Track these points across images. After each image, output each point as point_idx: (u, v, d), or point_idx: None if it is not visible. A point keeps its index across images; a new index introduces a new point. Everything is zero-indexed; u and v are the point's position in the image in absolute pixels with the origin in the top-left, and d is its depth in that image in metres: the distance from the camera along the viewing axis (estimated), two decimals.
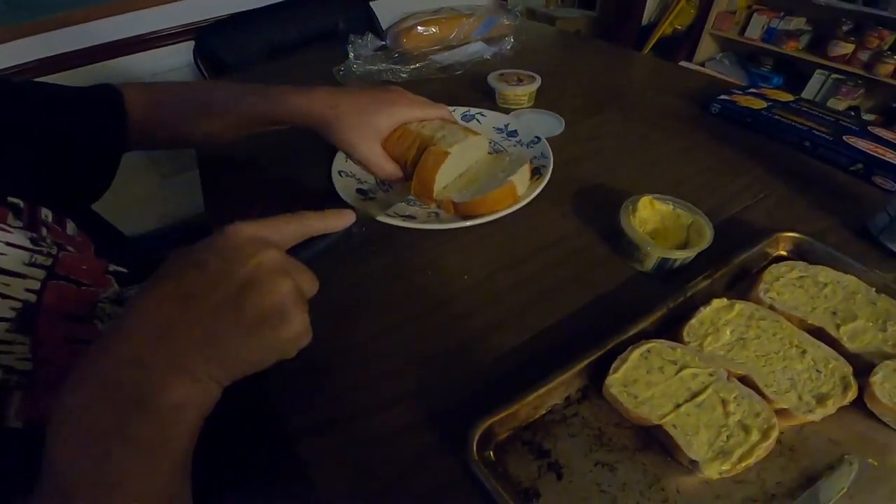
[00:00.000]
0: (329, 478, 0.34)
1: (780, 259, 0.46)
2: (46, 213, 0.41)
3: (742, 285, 0.44)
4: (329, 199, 0.55)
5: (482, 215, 0.50)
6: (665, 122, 0.72)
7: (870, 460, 0.32)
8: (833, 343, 0.37)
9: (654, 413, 0.33)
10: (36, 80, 0.52)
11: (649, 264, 0.44)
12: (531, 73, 0.76)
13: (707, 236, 0.43)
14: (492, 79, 0.76)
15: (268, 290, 0.27)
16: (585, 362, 0.35)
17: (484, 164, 0.56)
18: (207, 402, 0.27)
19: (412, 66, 0.91)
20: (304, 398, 0.38)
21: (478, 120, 0.68)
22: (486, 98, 0.79)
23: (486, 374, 0.39)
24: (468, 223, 0.50)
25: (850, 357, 0.36)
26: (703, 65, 2.45)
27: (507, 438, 0.34)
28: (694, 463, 0.31)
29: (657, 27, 2.46)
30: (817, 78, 2.12)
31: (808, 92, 2.14)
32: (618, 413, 0.35)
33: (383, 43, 1.02)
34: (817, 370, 0.35)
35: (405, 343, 0.42)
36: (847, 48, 1.99)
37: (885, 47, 1.91)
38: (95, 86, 0.54)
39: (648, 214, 0.47)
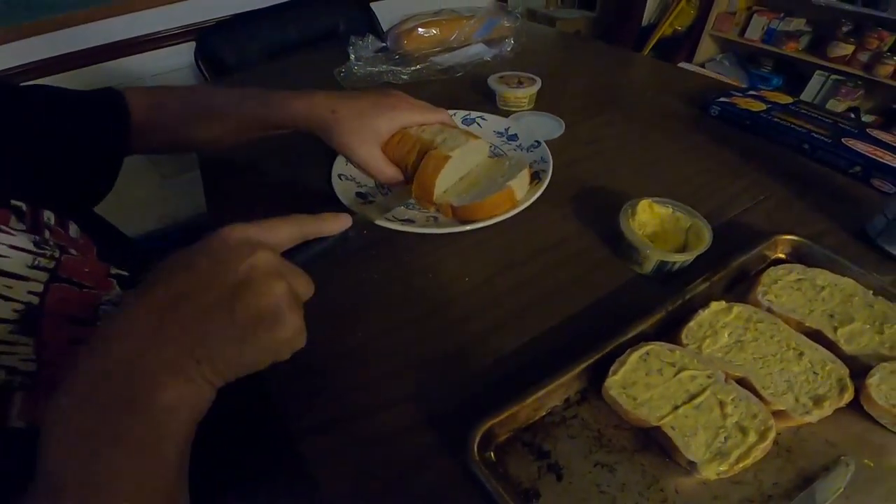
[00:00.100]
0: (331, 477, 0.34)
1: (778, 262, 0.46)
2: (49, 216, 0.42)
3: (740, 288, 0.44)
4: (329, 202, 0.56)
5: (480, 220, 0.50)
6: (665, 123, 0.72)
7: (866, 461, 0.33)
8: (830, 345, 0.37)
9: (653, 415, 0.33)
10: (38, 82, 0.53)
11: (648, 267, 0.45)
12: (531, 76, 0.77)
13: (706, 239, 0.43)
14: (492, 81, 0.77)
15: (261, 292, 0.27)
16: (584, 364, 0.36)
17: (484, 168, 0.56)
18: (201, 403, 0.27)
19: (413, 68, 0.91)
20: (305, 399, 0.39)
21: (478, 124, 0.68)
22: (487, 100, 0.79)
23: (485, 377, 0.39)
24: (467, 227, 0.50)
25: (846, 359, 0.36)
26: (702, 66, 2.46)
27: (507, 440, 0.35)
28: (692, 464, 0.31)
29: (657, 28, 2.46)
30: (817, 79, 2.12)
31: (808, 93, 2.14)
32: (617, 414, 0.35)
33: (384, 44, 1.02)
34: (814, 372, 0.35)
35: (405, 345, 0.42)
36: (847, 49, 1.99)
37: (885, 48, 1.91)
38: (98, 89, 0.54)
39: (648, 217, 0.47)
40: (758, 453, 0.31)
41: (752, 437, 0.32)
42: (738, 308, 0.38)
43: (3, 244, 0.36)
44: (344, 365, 0.41)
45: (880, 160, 0.57)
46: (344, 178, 0.59)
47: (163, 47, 1.32)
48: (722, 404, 0.33)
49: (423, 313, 0.45)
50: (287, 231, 0.33)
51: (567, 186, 0.58)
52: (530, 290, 0.46)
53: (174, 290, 0.27)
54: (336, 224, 0.36)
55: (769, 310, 0.39)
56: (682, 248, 0.46)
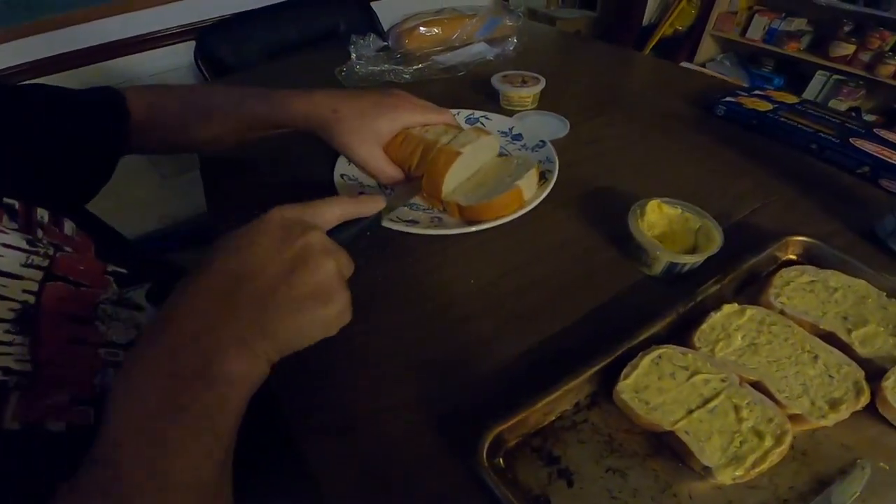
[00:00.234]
0: (333, 480, 0.34)
1: (789, 263, 0.45)
2: (42, 214, 0.41)
3: (751, 289, 0.43)
4: None
5: (487, 220, 0.49)
6: (669, 123, 0.71)
7: (882, 464, 0.32)
8: (844, 348, 0.37)
9: (667, 419, 0.32)
10: (36, 81, 0.52)
11: (658, 269, 0.44)
12: (535, 75, 0.76)
13: (717, 240, 0.43)
14: (495, 80, 0.76)
15: (315, 269, 0.29)
16: (596, 368, 0.35)
17: (491, 167, 0.55)
18: (257, 378, 0.28)
19: (415, 67, 0.90)
20: (308, 401, 0.38)
21: (482, 123, 0.67)
22: (490, 99, 0.79)
23: (491, 380, 0.38)
24: (472, 229, 0.49)
25: (861, 362, 0.36)
26: (703, 66, 2.45)
27: (515, 445, 0.34)
28: (706, 469, 0.31)
29: (658, 28, 2.46)
30: (818, 79, 2.12)
31: (809, 93, 2.14)
32: (628, 419, 0.35)
33: (385, 43, 1.02)
34: (829, 375, 0.35)
35: (410, 347, 0.41)
36: (848, 49, 1.99)
37: (887, 48, 1.91)
38: (96, 87, 0.54)
39: (656, 218, 0.47)
40: (774, 458, 0.31)
41: (768, 442, 0.31)
42: (751, 310, 0.38)
43: None
44: (348, 366, 0.40)
45: (888, 160, 0.56)
46: (346, 179, 0.58)
47: (162, 47, 1.31)
48: (737, 408, 0.33)
49: (428, 315, 0.44)
50: (331, 212, 0.35)
51: (572, 187, 0.57)
52: (536, 292, 0.45)
53: (240, 268, 0.29)
54: (373, 205, 0.39)
55: (782, 312, 0.39)
56: (692, 250, 0.45)
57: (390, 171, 0.52)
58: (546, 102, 0.77)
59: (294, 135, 0.54)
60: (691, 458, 0.32)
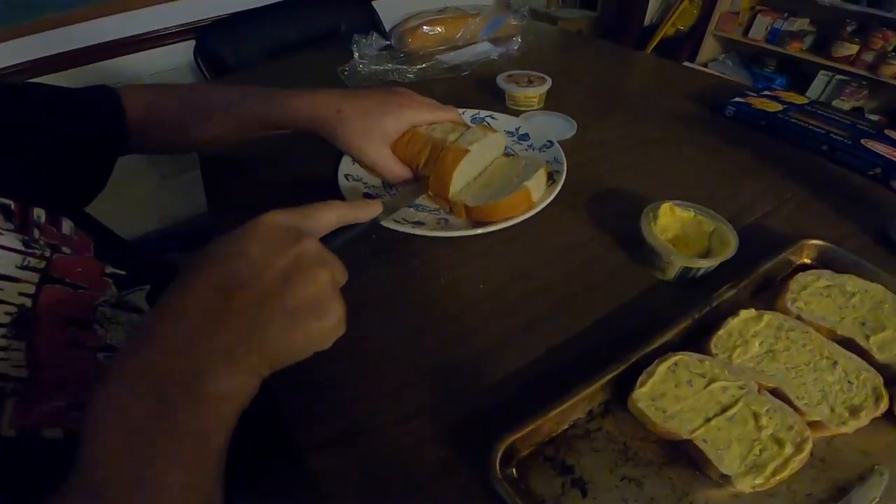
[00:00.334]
0: (340, 492, 0.33)
1: (803, 267, 0.44)
2: (39, 213, 0.40)
3: (766, 294, 0.43)
4: None
5: (495, 222, 0.48)
6: (677, 124, 0.71)
7: None
8: (862, 354, 0.36)
9: (684, 427, 0.32)
10: (33, 80, 0.51)
11: (671, 273, 0.43)
12: (541, 75, 0.75)
13: (732, 244, 0.42)
14: (501, 80, 0.75)
15: (309, 280, 0.28)
16: (610, 375, 0.34)
17: (498, 167, 0.54)
18: (248, 394, 0.27)
19: (418, 67, 0.89)
20: (312, 410, 0.37)
21: (488, 123, 0.67)
22: (495, 99, 0.78)
23: (501, 387, 0.38)
24: (479, 231, 0.48)
25: (879, 368, 0.35)
26: (705, 66, 2.45)
27: (528, 454, 0.33)
28: (725, 477, 0.30)
29: (659, 28, 2.45)
30: (821, 79, 2.12)
31: (812, 93, 2.13)
32: (643, 426, 0.34)
33: (388, 43, 1.01)
34: (849, 381, 0.34)
35: (418, 354, 0.40)
36: (851, 49, 1.98)
37: (890, 48, 1.91)
38: (91, 86, 0.53)
39: (669, 221, 0.46)
40: (794, 465, 0.30)
41: (788, 450, 0.31)
42: (768, 316, 0.37)
43: None
44: (354, 374, 0.39)
45: None
46: (351, 179, 0.57)
47: (161, 46, 1.31)
48: (756, 416, 0.32)
49: (435, 321, 0.43)
50: (327, 218, 0.33)
51: (580, 188, 0.56)
52: (546, 297, 0.44)
53: (227, 278, 0.27)
54: (369, 211, 0.37)
55: (798, 317, 0.38)
56: (705, 253, 0.44)
57: (399, 171, 0.51)
58: (551, 102, 0.76)
59: (295, 134, 0.53)
60: (709, 467, 0.31)
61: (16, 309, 0.34)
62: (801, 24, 2.14)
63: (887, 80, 1.92)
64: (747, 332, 0.36)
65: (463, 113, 0.65)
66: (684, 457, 0.33)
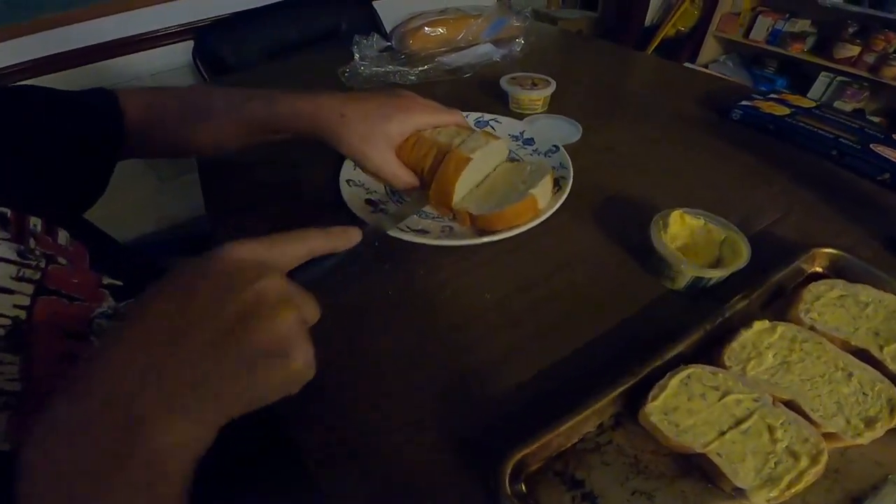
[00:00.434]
0: (341, 493, 0.32)
1: (815, 276, 0.44)
2: (35, 223, 0.39)
3: (778, 303, 0.42)
4: (333, 206, 0.54)
5: (500, 230, 0.47)
6: (683, 128, 0.70)
7: None
8: (876, 364, 0.35)
9: (698, 441, 0.31)
10: (31, 82, 0.50)
11: (681, 283, 0.43)
12: (545, 77, 0.74)
13: (744, 254, 0.41)
14: (504, 82, 0.74)
15: (270, 323, 0.25)
16: (621, 388, 0.34)
17: (502, 174, 0.53)
18: (201, 444, 0.24)
19: (420, 68, 0.88)
20: (315, 421, 0.36)
21: (492, 126, 0.66)
22: (498, 101, 0.77)
23: (508, 399, 0.37)
24: (485, 239, 0.47)
25: (894, 379, 0.34)
26: (706, 66, 2.44)
27: (538, 469, 0.32)
28: (738, 490, 0.30)
29: (660, 28, 2.44)
30: (822, 80, 2.11)
31: (813, 94, 2.13)
32: (654, 440, 0.33)
33: (388, 44, 1.00)
34: (864, 393, 0.33)
35: (422, 365, 0.40)
36: (853, 50, 1.98)
37: (891, 50, 1.91)
38: (89, 89, 0.52)
39: (678, 229, 0.45)
40: (810, 478, 0.30)
41: (803, 462, 0.30)
42: (782, 327, 0.36)
43: None
44: (357, 385, 0.38)
45: None
46: (352, 184, 0.56)
47: (160, 46, 1.29)
48: (771, 429, 0.31)
49: (440, 331, 0.42)
50: (295, 249, 0.30)
51: (586, 195, 0.55)
52: (554, 307, 0.43)
53: (173, 320, 0.24)
54: (346, 239, 0.34)
55: (812, 328, 0.37)
56: (715, 262, 0.43)
57: (405, 177, 0.50)
58: (555, 105, 0.75)
59: (294, 137, 0.52)
60: (722, 480, 0.30)
61: (10, 321, 0.33)
62: (803, 25, 2.14)
63: (888, 82, 1.92)
64: (761, 344, 0.36)
65: (466, 115, 0.64)
66: (696, 469, 0.32)
